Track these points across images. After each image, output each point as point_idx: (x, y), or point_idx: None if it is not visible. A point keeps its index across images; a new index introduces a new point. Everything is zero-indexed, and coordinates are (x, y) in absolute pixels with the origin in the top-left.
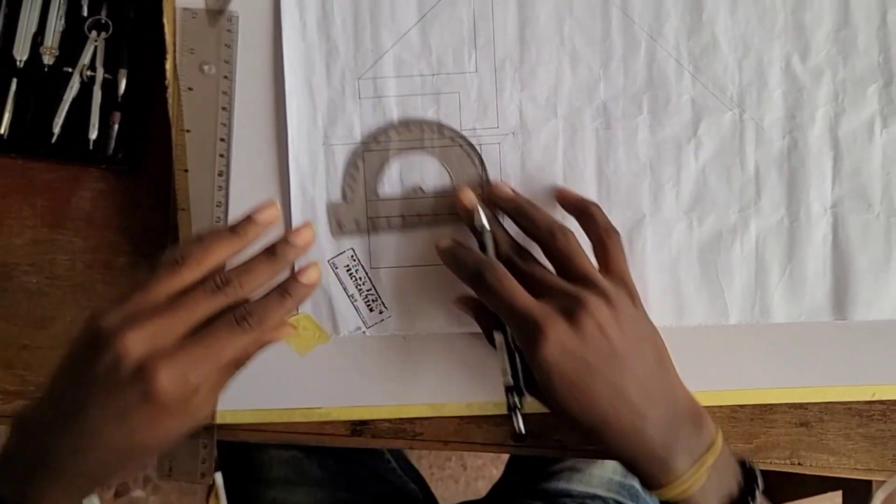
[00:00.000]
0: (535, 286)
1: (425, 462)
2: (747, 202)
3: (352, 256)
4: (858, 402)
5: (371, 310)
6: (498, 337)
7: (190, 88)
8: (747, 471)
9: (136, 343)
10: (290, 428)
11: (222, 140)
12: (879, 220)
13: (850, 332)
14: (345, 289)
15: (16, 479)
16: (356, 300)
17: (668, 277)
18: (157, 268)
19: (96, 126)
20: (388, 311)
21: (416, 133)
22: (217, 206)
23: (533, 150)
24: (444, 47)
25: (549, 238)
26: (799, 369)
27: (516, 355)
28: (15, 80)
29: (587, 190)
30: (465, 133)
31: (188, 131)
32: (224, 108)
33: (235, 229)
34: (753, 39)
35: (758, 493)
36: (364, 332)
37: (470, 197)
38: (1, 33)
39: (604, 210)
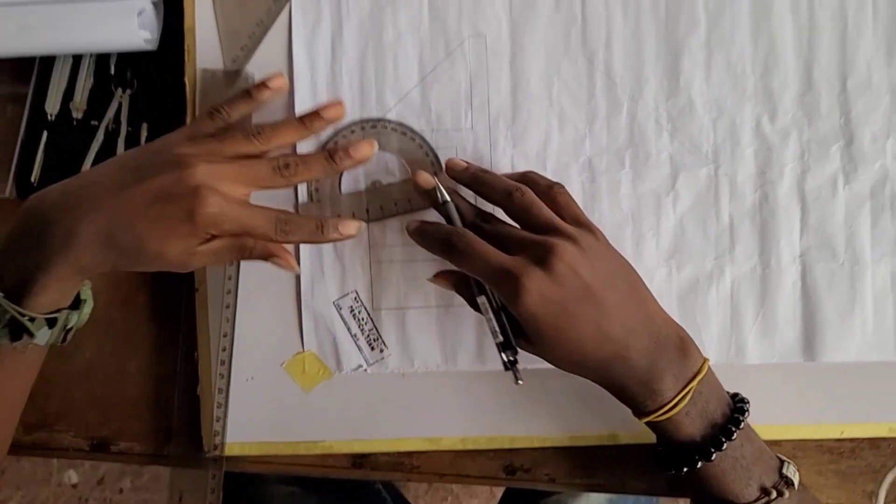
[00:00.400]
0: (505, 243)
1: (422, 501)
2: (722, 251)
3: (355, 298)
4: (829, 440)
5: (372, 348)
6: (481, 300)
7: None
8: (736, 400)
9: (204, 174)
10: (293, 460)
11: None
12: (844, 269)
13: (819, 372)
14: (348, 328)
15: (24, 259)
16: (359, 339)
17: None
18: (236, 132)
19: None
20: (388, 349)
21: (369, 131)
22: None
23: None
24: (443, 106)
25: (507, 198)
26: (772, 408)
27: (502, 313)
28: (46, 133)
29: None
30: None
31: None
32: None
33: (303, 120)
34: (726, 102)
35: (744, 421)
36: (365, 369)
37: (426, 177)
38: (34, 89)
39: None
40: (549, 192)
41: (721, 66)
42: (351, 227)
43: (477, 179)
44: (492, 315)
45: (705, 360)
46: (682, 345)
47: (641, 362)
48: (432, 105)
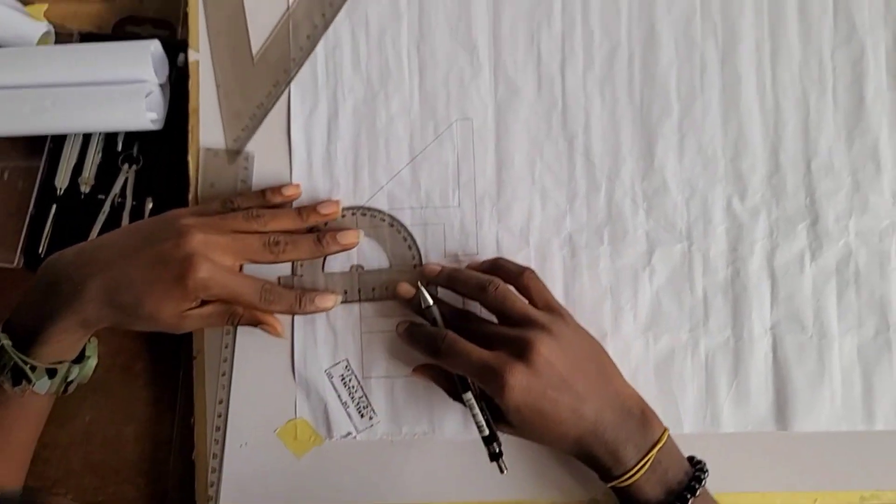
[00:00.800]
0: (486, 340)
1: None
2: (697, 323)
3: (346, 367)
4: None
5: (362, 416)
6: (467, 397)
7: None
8: (695, 465)
9: (198, 242)
10: None
11: None
12: (812, 342)
13: (792, 442)
14: (339, 396)
15: (36, 311)
16: (349, 407)
17: None
18: (237, 213)
19: None
20: (377, 416)
21: (360, 218)
22: None
23: None
24: (432, 185)
25: (481, 293)
26: (746, 476)
27: (485, 407)
28: (55, 206)
29: None
30: (448, 259)
31: None
32: None
33: (300, 212)
34: (698, 182)
35: (700, 487)
36: (355, 436)
37: (406, 288)
38: (46, 165)
39: None
40: (521, 277)
41: (693, 149)
42: (328, 300)
43: (451, 279)
44: (477, 411)
45: (665, 429)
46: (644, 417)
47: (609, 435)
48: (422, 183)
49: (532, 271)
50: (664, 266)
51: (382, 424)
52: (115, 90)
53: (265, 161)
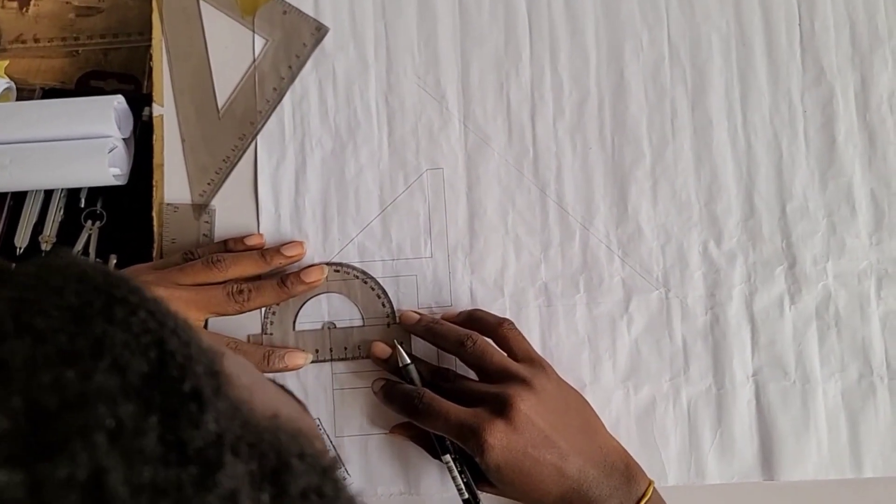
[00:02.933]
0: (465, 397)
1: None
2: (677, 371)
3: (318, 426)
4: None
5: None
6: (446, 459)
7: None
8: None
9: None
10: None
11: None
12: (796, 388)
13: (779, 492)
14: None
15: None
16: None
17: None
18: (196, 262)
19: None
20: (350, 477)
21: (332, 275)
22: None
23: None
24: (403, 236)
25: (460, 347)
26: None
27: (465, 469)
28: (13, 266)
29: None
30: (421, 310)
31: None
32: None
33: (264, 254)
34: (673, 228)
35: None
36: None
37: (381, 348)
38: (5, 224)
39: None
40: (499, 329)
41: (667, 194)
42: (298, 358)
43: (429, 331)
44: (456, 473)
45: (650, 483)
46: (629, 471)
47: (593, 492)
48: (393, 235)
49: (510, 322)
50: (642, 314)
51: (356, 484)
52: (78, 146)
53: (231, 215)
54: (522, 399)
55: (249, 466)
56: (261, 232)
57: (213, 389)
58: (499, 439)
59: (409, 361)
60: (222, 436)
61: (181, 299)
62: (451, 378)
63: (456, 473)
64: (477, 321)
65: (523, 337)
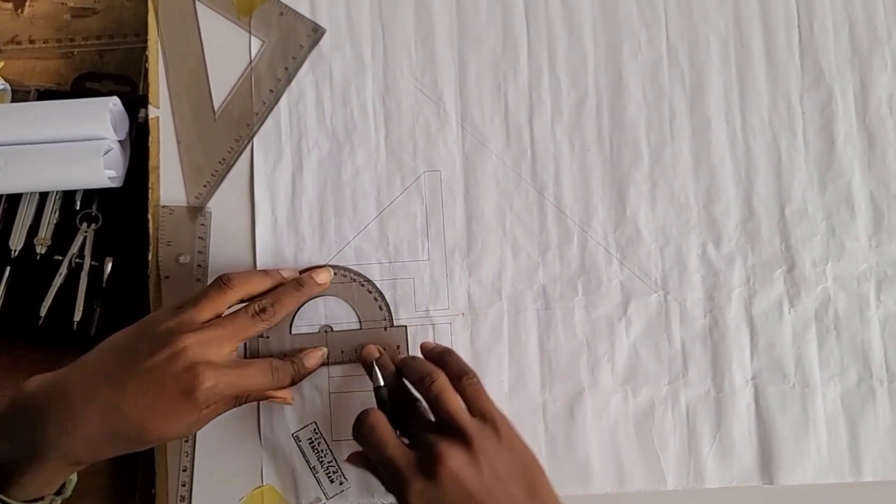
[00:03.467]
0: (412, 435)
1: None
2: (676, 375)
3: (314, 430)
4: None
5: (332, 481)
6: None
7: (166, 277)
8: None
9: (193, 347)
10: None
11: None
12: (795, 391)
13: (778, 495)
14: (307, 461)
15: (11, 441)
16: (318, 472)
17: (608, 446)
18: (207, 289)
19: (80, 309)
20: (347, 482)
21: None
22: None
23: (481, 329)
24: (400, 238)
25: (420, 384)
26: None
27: None
28: (8, 268)
29: (530, 365)
30: (418, 314)
31: None
32: None
33: (267, 272)
34: (672, 230)
35: None
36: (325, 502)
37: (369, 352)
38: (0, 225)
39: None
40: (458, 382)
41: (665, 196)
42: (314, 358)
43: (404, 365)
44: None
45: None
46: None
47: None
48: (390, 237)
49: (473, 376)
50: (640, 317)
51: (354, 490)
52: (73, 148)
53: (227, 218)
54: (453, 457)
55: None
56: (258, 235)
57: None
58: (419, 489)
59: (381, 383)
60: None
61: (212, 340)
62: (411, 412)
63: None
64: (444, 364)
65: (483, 392)
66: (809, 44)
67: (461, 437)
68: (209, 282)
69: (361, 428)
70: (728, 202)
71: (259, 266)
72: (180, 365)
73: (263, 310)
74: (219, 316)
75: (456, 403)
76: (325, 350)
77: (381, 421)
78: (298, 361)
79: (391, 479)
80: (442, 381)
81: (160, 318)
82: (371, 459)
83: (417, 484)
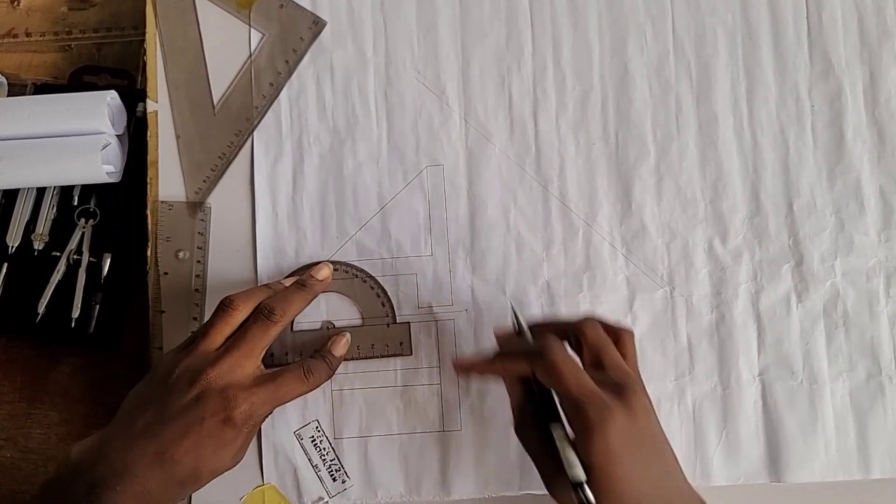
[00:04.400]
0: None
1: None
2: (682, 371)
3: (316, 427)
4: None
5: (334, 479)
6: (557, 431)
7: (166, 273)
8: None
9: (216, 379)
10: None
11: (195, 319)
12: (803, 388)
13: (786, 493)
14: (309, 459)
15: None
16: (320, 470)
17: None
18: (213, 318)
19: (79, 306)
20: (350, 480)
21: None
22: None
23: (485, 325)
24: (403, 234)
25: (580, 331)
26: None
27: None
28: (6, 265)
29: None
30: (421, 310)
31: (164, 312)
32: (197, 290)
33: (268, 284)
34: (678, 225)
35: None
36: (327, 501)
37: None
38: None
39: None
40: (619, 333)
41: (671, 191)
42: (342, 345)
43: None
44: (568, 445)
45: None
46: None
47: None
48: (392, 233)
49: (631, 334)
50: (646, 313)
51: (356, 488)
52: (70, 143)
53: (227, 213)
54: (643, 391)
55: None
56: (258, 231)
57: None
58: (619, 421)
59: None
60: None
61: (232, 364)
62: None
63: (566, 443)
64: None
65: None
66: (818, 36)
67: (636, 382)
68: (208, 278)
69: (550, 354)
70: (735, 197)
71: (260, 262)
72: (211, 398)
73: (272, 311)
74: (233, 332)
75: (619, 355)
76: (348, 335)
77: (570, 358)
78: (328, 354)
79: (589, 407)
80: (600, 330)
81: (174, 360)
82: (554, 385)
83: (618, 411)
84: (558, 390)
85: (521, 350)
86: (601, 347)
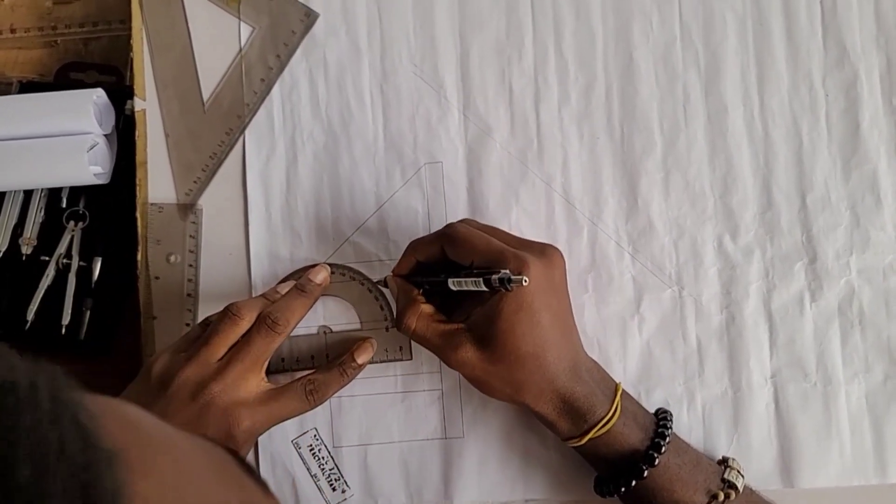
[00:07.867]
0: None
1: None
2: (691, 374)
3: (315, 436)
4: None
5: (334, 489)
6: (454, 280)
7: (157, 277)
8: (658, 412)
9: (220, 395)
10: None
11: (187, 325)
12: (817, 390)
13: (799, 499)
14: (308, 469)
15: None
16: (319, 480)
17: None
18: (217, 325)
19: (69, 312)
20: (350, 489)
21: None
22: None
23: None
24: (401, 233)
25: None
26: None
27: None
28: None
29: None
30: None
31: (155, 318)
32: (189, 295)
33: (267, 295)
34: (686, 222)
35: (671, 428)
36: None
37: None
38: None
39: None
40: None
41: (679, 186)
42: (367, 352)
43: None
44: (469, 279)
45: (619, 382)
46: (599, 366)
47: (584, 375)
48: (390, 233)
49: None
50: (654, 313)
51: (356, 497)
52: (57, 143)
53: (219, 216)
54: (557, 257)
55: None
56: (251, 233)
57: None
58: (537, 269)
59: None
60: None
61: (236, 379)
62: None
63: (468, 280)
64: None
65: None
66: (832, 21)
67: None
68: (201, 283)
69: (456, 231)
70: (746, 191)
71: (254, 266)
72: (214, 415)
73: (275, 321)
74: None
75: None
76: (374, 342)
77: (471, 228)
78: (348, 362)
79: (509, 260)
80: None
81: (173, 366)
82: (469, 253)
83: (536, 264)
84: (473, 255)
85: (430, 235)
86: (492, 230)
